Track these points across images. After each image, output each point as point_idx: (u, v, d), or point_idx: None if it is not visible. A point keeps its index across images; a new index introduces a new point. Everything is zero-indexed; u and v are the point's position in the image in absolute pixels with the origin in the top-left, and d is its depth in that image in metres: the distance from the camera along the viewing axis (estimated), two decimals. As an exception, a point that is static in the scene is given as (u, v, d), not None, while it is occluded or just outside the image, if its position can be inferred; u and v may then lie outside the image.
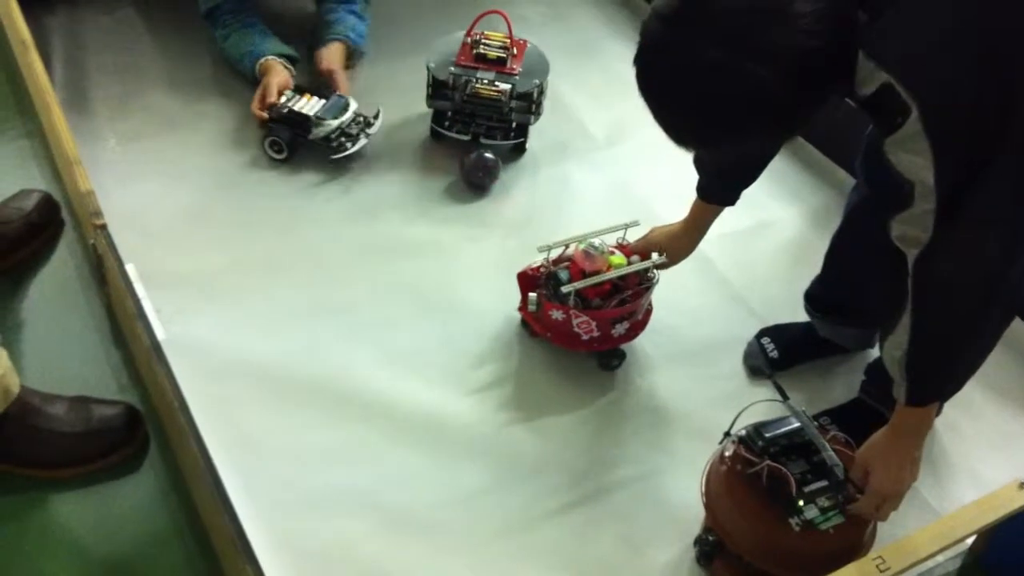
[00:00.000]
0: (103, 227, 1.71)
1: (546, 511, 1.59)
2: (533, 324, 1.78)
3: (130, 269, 1.71)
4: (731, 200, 1.68)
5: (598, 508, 1.60)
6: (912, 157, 1.17)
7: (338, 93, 2.17)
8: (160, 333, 1.64)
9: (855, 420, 1.66)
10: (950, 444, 1.73)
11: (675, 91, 1.18)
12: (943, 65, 1.12)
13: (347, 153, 2.09)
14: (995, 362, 1.45)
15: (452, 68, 2.11)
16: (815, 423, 1.47)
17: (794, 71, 1.11)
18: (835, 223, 1.74)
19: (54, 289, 1.83)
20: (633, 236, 1.80)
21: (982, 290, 1.25)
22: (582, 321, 1.70)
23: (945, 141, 1.14)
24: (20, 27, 2.13)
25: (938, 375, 1.33)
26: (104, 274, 1.77)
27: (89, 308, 1.80)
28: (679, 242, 1.75)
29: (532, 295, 1.75)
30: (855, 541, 1.40)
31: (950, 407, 1.66)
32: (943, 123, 1.13)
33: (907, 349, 1.29)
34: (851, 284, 1.72)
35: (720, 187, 1.67)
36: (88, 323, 1.77)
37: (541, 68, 2.17)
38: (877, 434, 1.40)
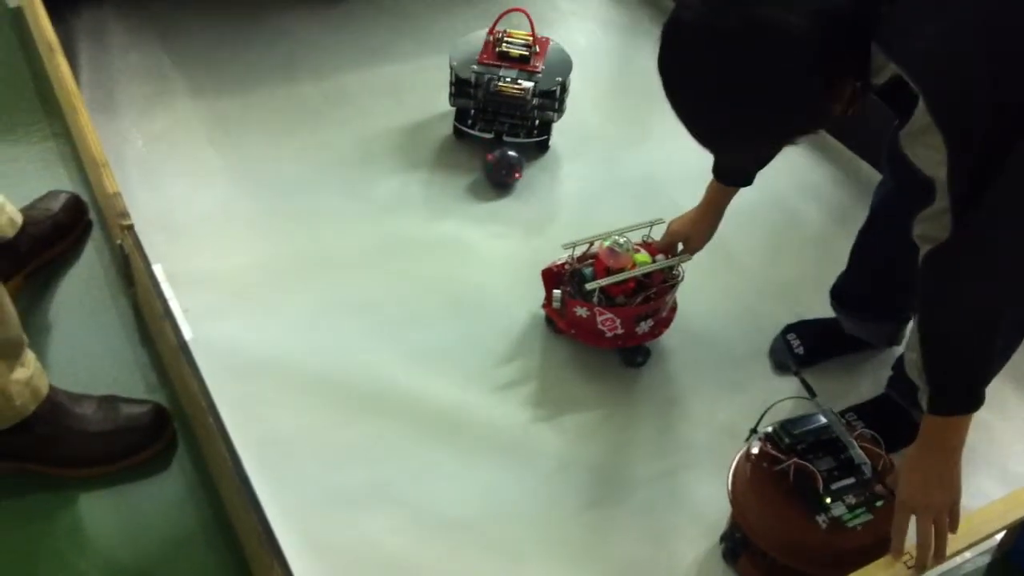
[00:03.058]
0: (130, 228, 1.72)
1: (571, 508, 1.59)
2: (557, 321, 1.78)
3: (157, 269, 1.72)
4: (748, 180, 1.67)
5: (623, 505, 1.60)
6: (927, 152, 1.15)
7: None
8: (187, 332, 1.66)
9: (881, 417, 1.66)
10: (978, 440, 1.71)
11: (700, 71, 1.14)
12: (952, 54, 1.08)
13: None
14: (1024, 358, 1.44)
15: (475, 66, 2.12)
16: (842, 420, 1.46)
17: (817, 35, 1.08)
18: (861, 218, 1.73)
19: (82, 289, 1.85)
20: (657, 233, 1.80)
21: (993, 289, 1.21)
22: (606, 318, 1.70)
23: (957, 134, 1.10)
24: (46, 30, 2.15)
25: (957, 379, 1.27)
26: (131, 274, 1.78)
27: (117, 308, 1.81)
28: (698, 228, 1.75)
29: (556, 292, 1.75)
30: (883, 538, 1.39)
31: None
32: (953, 115, 1.10)
33: (920, 351, 1.27)
34: (877, 280, 1.71)
35: (737, 168, 1.66)
36: (116, 323, 1.79)
37: (564, 66, 2.17)
38: (912, 444, 1.35)
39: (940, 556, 1.32)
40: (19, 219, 1.82)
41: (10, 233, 1.79)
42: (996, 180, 1.11)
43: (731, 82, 1.13)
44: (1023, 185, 1.12)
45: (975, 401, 1.28)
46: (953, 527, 1.32)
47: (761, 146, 1.37)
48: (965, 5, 1.08)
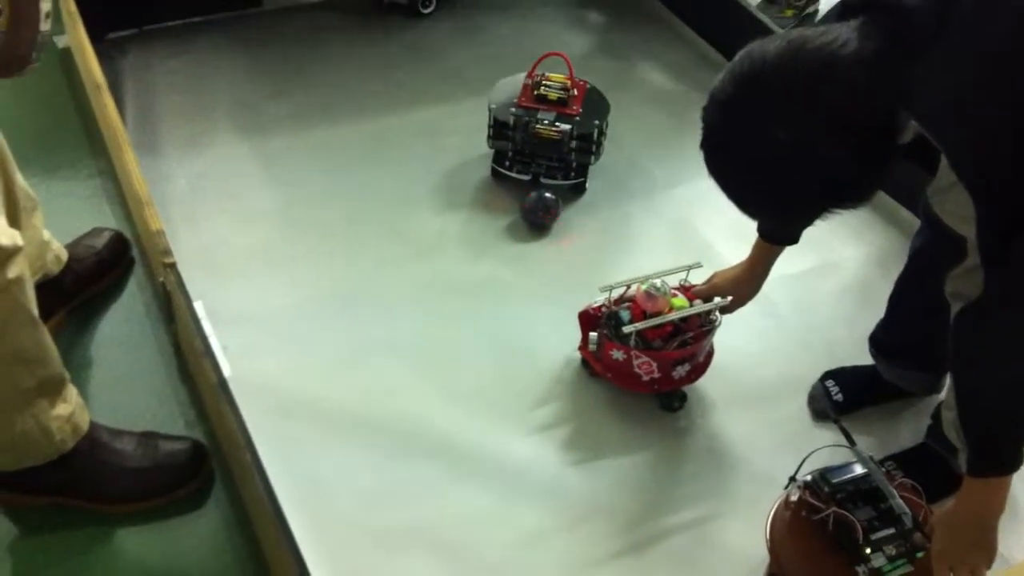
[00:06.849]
0: (172, 265, 1.74)
1: (607, 553, 1.58)
2: (593, 364, 1.77)
3: (198, 307, 1.73)
4: (794, 239, 1.67)
5: (660, 551, 1.59)
6: (955, 208, 1.14)
7: None
8: (227, 370, 1.66)
9: (921, 466, 1.64)
10: (1019, 490, 1.69)
11: (745, 174, 1.18)
12: (970, 108, 1.08)
13: None
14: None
15: (513, 109, 2.13)
16: (881, 468, 1.45)
17: (856, 140, 1.10)
18: (900, 265, 1.72)
19: (123, 326, 1.87)
20: (695, 277, 1.80)
21: None
22: (643, 362, 1.70)
23: (983, 190, 1.09)
24: (94, 69, 2.18)
25: (995, 440, 1.25)
26: (173, 311, 1.80)
27: (157, 345, 1.83)
28: (743, 285, 1.74)
29: (593, 335, 1.75)
30: (923, 590, 1.38)
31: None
32: (977, 170, 1.09)
33: (956, 412, 1.25)
34: (915, 328, 1.69)
35: (782, 228, 1.65)
36: (156, 359, 1.81)
37: (601, 109, 2.18)
38: (951, 499, 1.34)
39: None
40: (64, 256, 1.84)
41: (55, 269, 1.82)
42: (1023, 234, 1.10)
43: (771, 181, 1.16)
44: None
45: (1015, 461, 1.26)
46: None
47: (804, 223, 1.39)
48: (981, 58, 1.08)
